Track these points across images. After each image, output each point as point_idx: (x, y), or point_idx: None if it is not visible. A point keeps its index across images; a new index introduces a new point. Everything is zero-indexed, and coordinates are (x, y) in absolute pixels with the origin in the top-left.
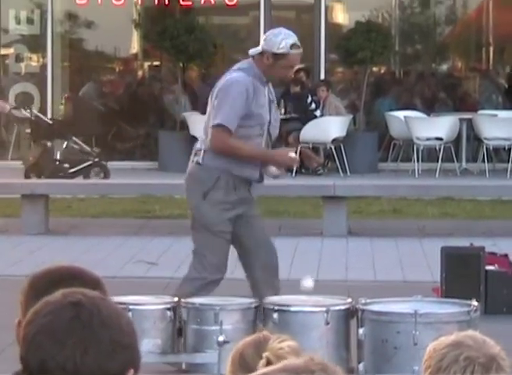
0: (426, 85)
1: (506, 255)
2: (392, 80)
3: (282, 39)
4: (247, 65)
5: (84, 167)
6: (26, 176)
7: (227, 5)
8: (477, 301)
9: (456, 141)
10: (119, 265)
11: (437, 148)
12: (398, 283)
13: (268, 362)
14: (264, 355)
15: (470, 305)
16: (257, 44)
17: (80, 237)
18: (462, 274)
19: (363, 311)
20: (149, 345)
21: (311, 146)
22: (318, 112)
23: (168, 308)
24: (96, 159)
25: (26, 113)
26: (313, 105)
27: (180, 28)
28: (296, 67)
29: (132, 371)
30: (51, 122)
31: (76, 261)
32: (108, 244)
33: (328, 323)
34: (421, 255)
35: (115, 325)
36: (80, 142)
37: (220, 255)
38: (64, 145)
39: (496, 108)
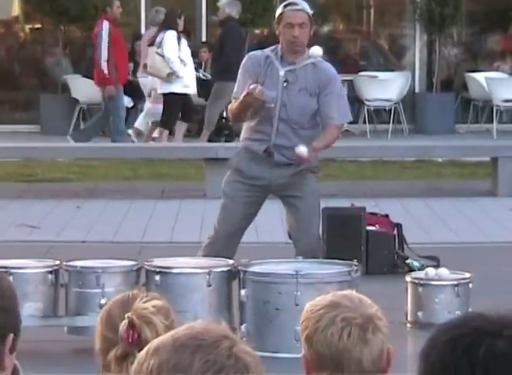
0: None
1: (386, 216)
2: (274, 42)
3: (279, 7)
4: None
5: None
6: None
7: None
8: (358, 261)
9: None
10: (1, 229)
11: None
12: (280, 244)
13: (131, 323)
14: (127, 315)
15: (351, 266)
16: (138, 6)
17: None
18: (343, 235)
19: (244, 272)
20: (30, 309)
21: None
22: (200, 74)
23: (50, 272)
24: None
25: None
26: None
27: None
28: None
29: (12, 335)
30: None
31: None
32: None
33: (210, 285)
34: None
35: None
36: None
37: (219, 216)
38: None
39: (377, 70)
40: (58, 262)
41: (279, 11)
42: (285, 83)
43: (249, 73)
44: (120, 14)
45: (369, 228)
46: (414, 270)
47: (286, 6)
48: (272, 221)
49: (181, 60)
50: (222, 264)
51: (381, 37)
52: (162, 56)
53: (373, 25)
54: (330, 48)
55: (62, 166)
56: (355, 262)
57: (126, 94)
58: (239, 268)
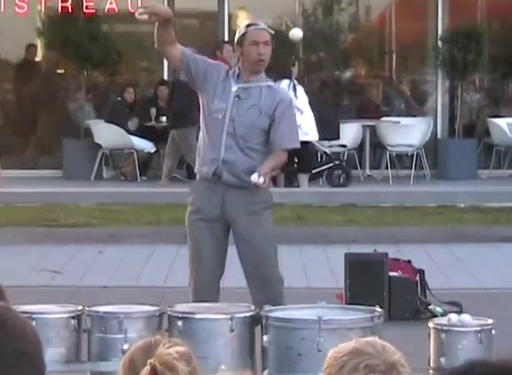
0: (330, 92)
1: (409, 261)
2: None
3: (239, 29)
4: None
5: (327, 168)
6: None
7: (131, 12)
8: (380, 307)
9: (360, 147)
10: (24, 274)
11: (341, 155)
12: (302, 290)
13: (153, 369)
14: (149, 361)
15: (373, 311)
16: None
17: None
18: (366, 280)
19: (267, 318)
20: (53, 354)
21: None
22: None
23: (73, 317)
24: (337, 162)
25: None
26: None
27: (84, 36)
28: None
29: None
30: None
31: None
32: (12, 252)
33: (232, 331)
34: (325, 261)
35: (19, 335)
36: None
37: (192, 261)
38: None
39: (399, 115)
40: (80, 307)
41: (241, 32)
42: (236, 99)
43: (207, 67)
44: (231, 59)
45: (392, 274)
46: (437, 316)
47: (248, 26)
48: (292, 267)
49: (297, 109)
50: (244, 310)
51: (403, 82)
52: None
53: (395, 70)
54: (352, 93)
55: (85, 210)
56: (378, 307)
57: (148, 139)
58: (261, 313)
